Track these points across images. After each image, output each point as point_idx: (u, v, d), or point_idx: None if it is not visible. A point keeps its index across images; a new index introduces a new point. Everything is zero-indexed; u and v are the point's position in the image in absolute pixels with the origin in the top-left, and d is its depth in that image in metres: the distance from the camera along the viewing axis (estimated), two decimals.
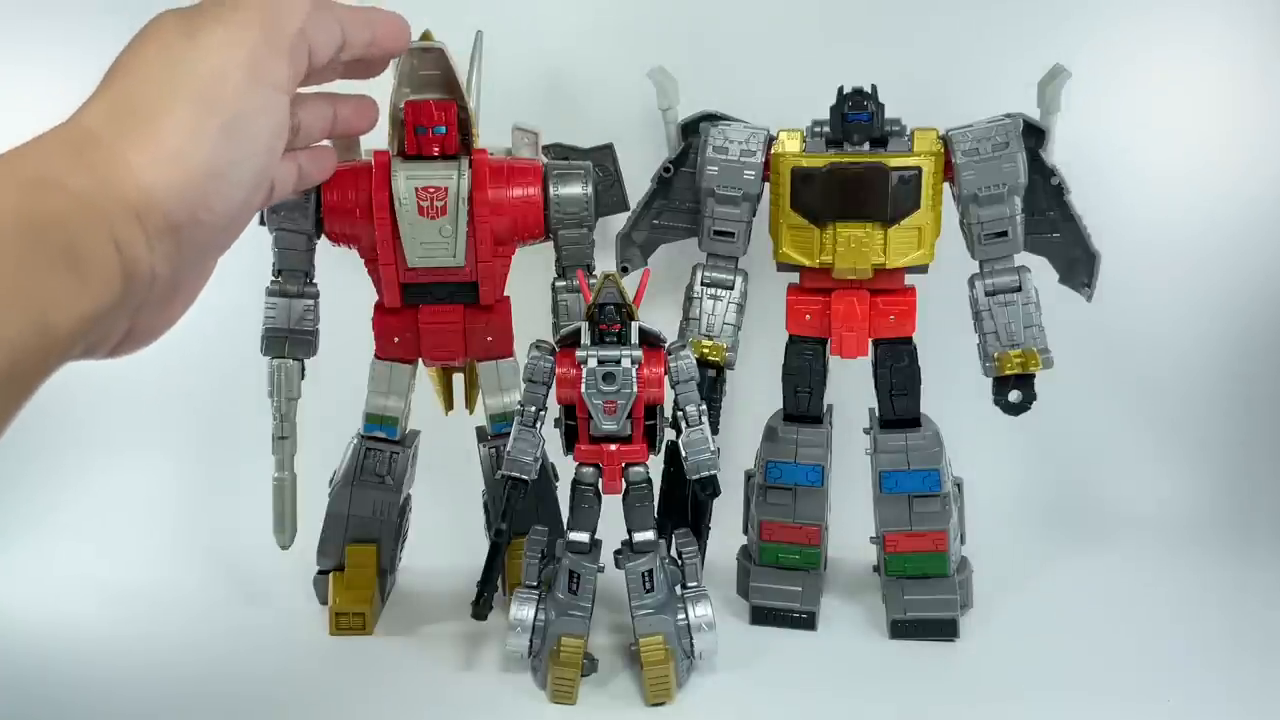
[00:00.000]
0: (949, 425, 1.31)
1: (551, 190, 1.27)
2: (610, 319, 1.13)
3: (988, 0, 1.55)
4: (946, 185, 1.27)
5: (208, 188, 0.66)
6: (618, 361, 1.12)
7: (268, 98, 0.69)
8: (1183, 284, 1.62)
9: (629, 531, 1.18)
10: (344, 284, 1.31)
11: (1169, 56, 1.57)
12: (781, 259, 1.29)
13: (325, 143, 0.92)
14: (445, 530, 1.47)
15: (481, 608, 1.17)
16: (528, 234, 1.27)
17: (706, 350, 1.28)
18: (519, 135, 1.29)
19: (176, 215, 0.65)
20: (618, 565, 1.18)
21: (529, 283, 1.35)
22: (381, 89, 1.20)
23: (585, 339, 1.14)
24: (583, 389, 1.12)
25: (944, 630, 1.27)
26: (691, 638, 1.17)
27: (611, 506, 1.18)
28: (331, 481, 1.35)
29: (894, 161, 1.23)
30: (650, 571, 1.17)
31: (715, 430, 1.24)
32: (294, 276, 1.27)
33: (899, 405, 1.30)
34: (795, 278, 1.31)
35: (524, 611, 1.17)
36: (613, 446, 1.15)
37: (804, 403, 1.32)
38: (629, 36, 1.55)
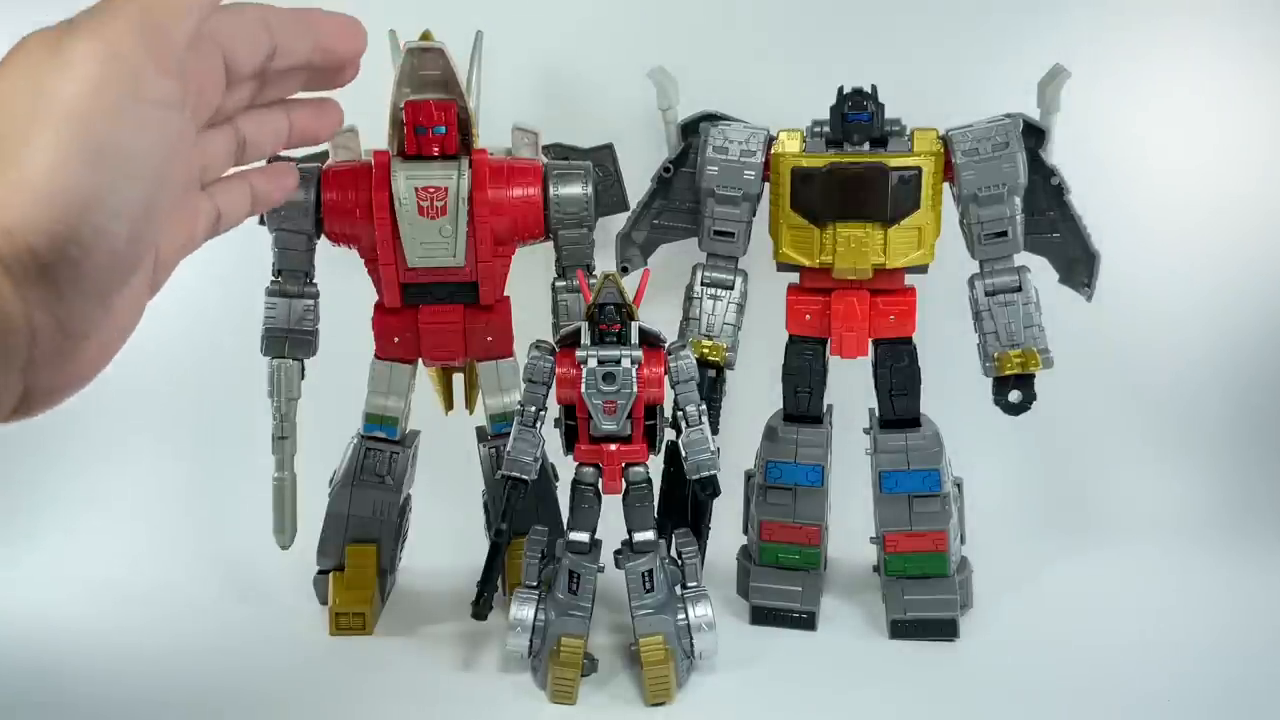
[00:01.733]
0: (949, 425, 1.31)
1: (551, 190, 1.27)
2: (610, 319, 1.13)
3: (988, 1, 1.55)
4: (946, 185, 1.27)
5: (79, 222, 0.56)
6: (618, 361, 1.12)
7: (149, 116, 0.58)
8: (1183, 284, 1.62)
9: (629, 531, 1.18)
10: (344, 284, 1.31)
11: (1169, 56, 1.57)
12: (781, 259, 1.29)
13: (289, 154, 0.84)
14: (445, 530, 1.47)
15: (481, 608, 1.17)
16: (528, 234, 1.27)
17: (706, 350, 1.28)
18: (519, 135, 1.29)
19: (46, 255, 0.56)
20: (618, 565, 1.18)
21: (529, 283, 1.35)
22: (381, 89, 1.21)
23: (585, 339, 1.14)
24: (583, 389, 1.12)
25: (944, 630, 1.27)
26: (691, 638, 1.17)
27: (611, 506, 1.18)
28: (331, 481, 1.35)
29: (894, 161, 1.23)
30: (650, 571, 1.17)
31: (715, 430, 1.24)
32: (294, 276, 1.27)
33: (899, 405, 1.30)
34: (795, 278, 1.31)
35: (524, 611, 1.17)
36: (613, 446, 1.15)
37: (804, 403, 1.32)
38: (629, 36, 1.55)
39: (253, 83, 0.70)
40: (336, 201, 1.24)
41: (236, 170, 0.73)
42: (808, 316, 1.30)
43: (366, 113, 1.29)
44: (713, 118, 1.31)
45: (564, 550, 1.18)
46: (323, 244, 1.28)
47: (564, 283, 1.30)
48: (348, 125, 1.28)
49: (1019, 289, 1.24)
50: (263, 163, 0.76)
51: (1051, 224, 1.28)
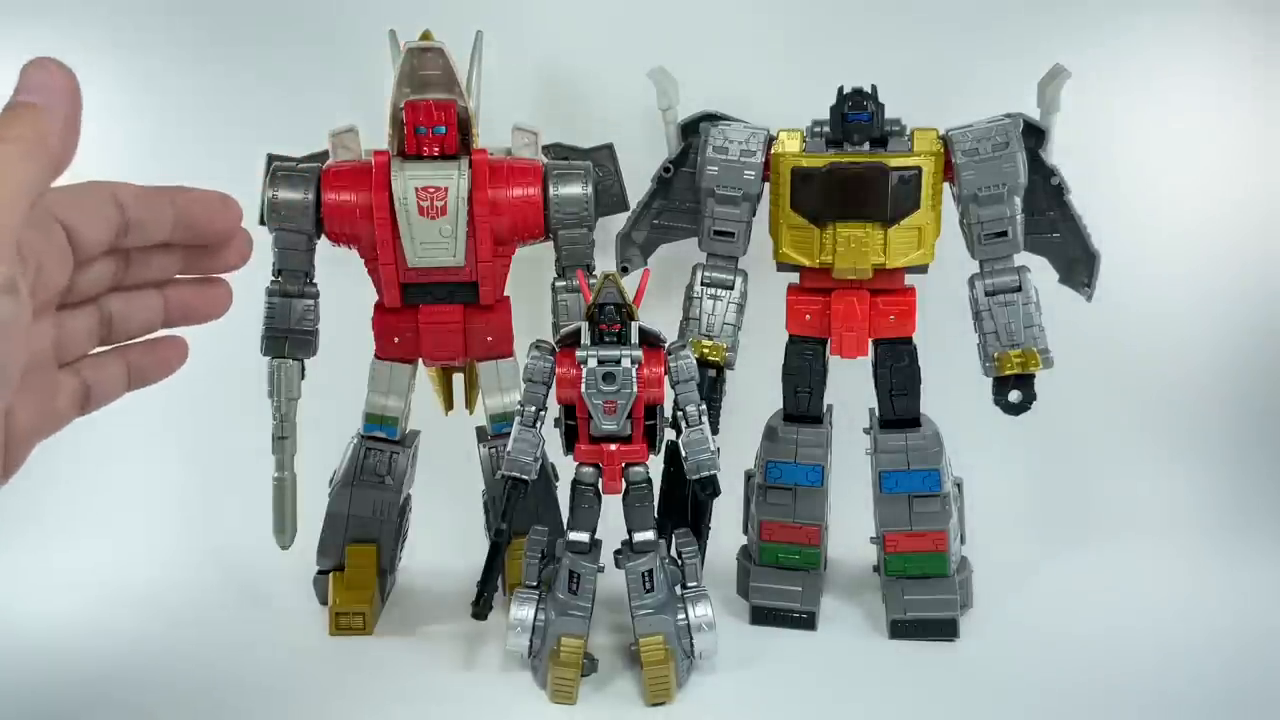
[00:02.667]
0: (949, 425, 1.31)
1: (551, 190, 1.27)
2: (610, 319, 1.13)
3: (988, 1, 1.55)
4: (946, 185, 1.27)
5: None
6: (618, 361, 1.12)
7: None
8: (1183, 283, 1.62)
9: (629, 531, 1.18)
10: (344, 284, 1.31)
11: (1169, 56, 1.57)
12: (781, 259, 1.29)
13: (173, 332, 0.78)
14: (445, 530, 1.47)
15: (481, 608, 1.17)
16: (528, 234, 1.27)
17: (706, 350, 1.28)
18: (519, 135, 1.29)
19: None
20: (618, 565, 1.18)
21: (529, 283, 1.35)
22: (381, 89, 1.21)
23: (585, 339, 1.14)
24: (583, 389, 1.12)
25: (944, 630, 1.27)
26: (691, 638, 1.17)
27: (611, 506, 1.18)
28: (331, 481, 1.35)
29: (894, 161, 1.23)
30: (650, 571, 1.17)
31: (715, 430, 1.24)
32: (294, 276, 1.27)
33: (899, 405, 1.30)
34: (795, 278, 1.31)
35: (524, 611, 1.17)
36: (613, 446, 1.15)
37: (804, 403, 1.32)
38: (629, 36, 1.55)
39: (113, 261, 0.67)
40: (336, 201, 1.24)
41: (111, 347, 0.71)
42: (808, 316, 1.30)
43: (366, 113, 1.29)
44: (713, 118, 1.31)
45: (564, 550, 1.18)
46: (323, 244, 1.28)
47: (564, 283, 1.30)
48: (347, 125, 1.28)
49: (1019, 289, 1.24)
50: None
51: (1051, 224, 1.28)
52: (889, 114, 1.25)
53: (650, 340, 1.15)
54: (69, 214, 0.63)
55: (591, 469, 1.16)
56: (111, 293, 0.69)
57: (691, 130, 1.31)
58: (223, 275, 0.75)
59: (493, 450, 1.32)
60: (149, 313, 0.72)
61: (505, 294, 1.31)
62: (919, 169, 1.23)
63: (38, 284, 0.60)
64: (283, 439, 1.28)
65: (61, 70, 0.62)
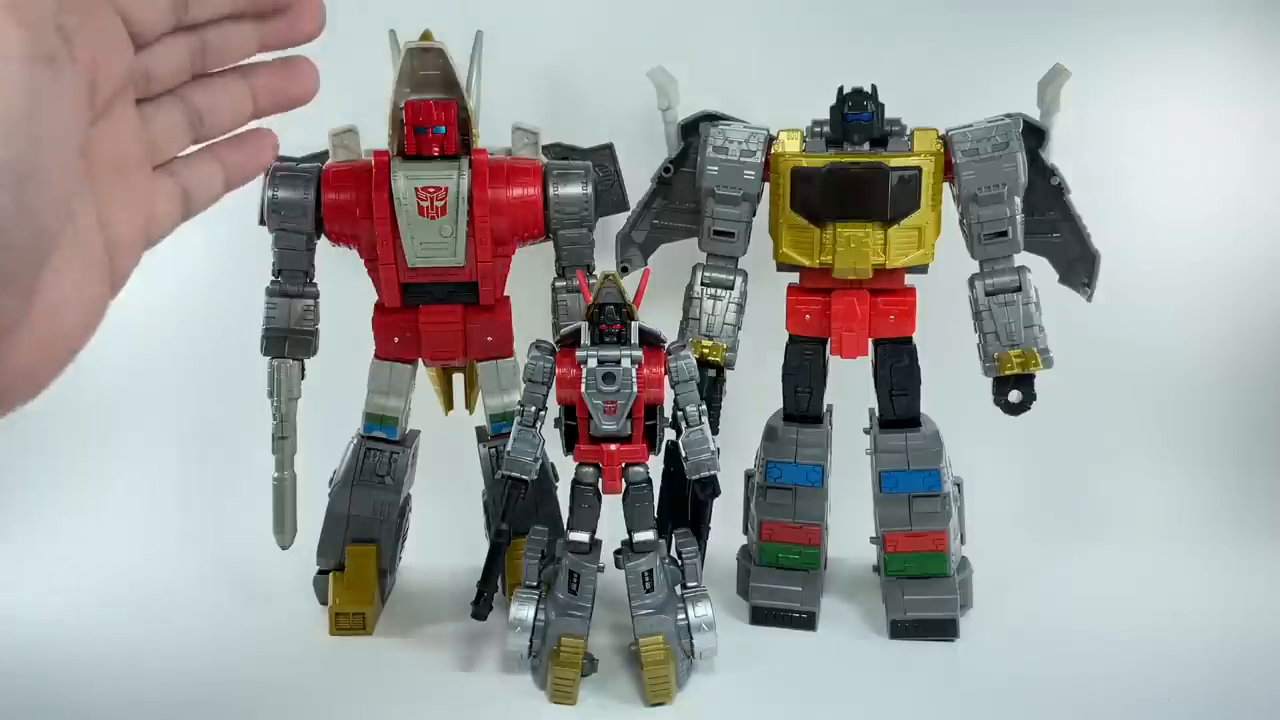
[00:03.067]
0: (949, 425, 1.31)
1: (551, 190, 1.27)
2: (610, 319, 1.13)
3: (988, 1, 1.55)
4: (946, 185, 1.27)
5: None
6: (618, 362, 1.12)
7: (4, 72, 0.50)
8: (1183, 283, 1.62)
9: (629, 531, 1.18)
10: (344, 284, 1.31)
11: (1170, 56, 1.57)
12: (781, 259, 1.29)
13: (258, 124, 0.74)
14: (445, 530, 1.47)
15: (481, 608, 1.17)
16: (527, 234, 1.27)
17: (706, 350, 1.28)
18: (519, 135, 1.29)
19: None
20: (618, 565, 1.18)
21: (529, 283, 1.35)
22: (381, 89, 1.21)
23: (585, 339, 1.14)
24: (583, 389, 1.12)
25: (944, 630, 1.27)
26: (691, 638, 1.17)
27: (611, 506, 1.18)
28: (331, 481, 1.35)
29: (894, 161, 1.23)
30: (650, 571, 1.17)
31: (715, 430, 1.24)
32: (294, 276, 1.27)
33: (899, 405, 1.30)
34: (795, 278, 1.31)
35: (524, 611, 1.17)
36: (613, 446, 1.15)
37: (804, 403, 1.32)
38: (629, 36, 1.55)
39: (185, 43, 0.64)
40: (336, 201, 1.24)
41: (200, 146, 0.68)
42: (808, 316, 1.30)
43: (366, 113, 1.29)
44: (713, 118, 1.31)
45: (564, 550, 1.18)
46: (323, 244, 1.28)
47: (564, 283, 1.30)
48: (347, 125, 1.28)
49: (1019, 289, 1.24)
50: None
51: (1051, 224, 1.28)
52: (889, 114, 1.25)
53: (650, 340, 1.15)
54: None
55: (591, 469, 1.16)
56: (195, 83, 0.66)
57: (691, 130, 1.31)
58: (303, 54, 0.73)
59: (493, 450, 1.32)
60: (237, 101, 0.69)
61: (505, 294, 1.31)
62: (919, 169, 1.23)
63: (98, 72, 0.56)
64: (283, 439, 1.28)
65: None
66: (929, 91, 1.40)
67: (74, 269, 0.57)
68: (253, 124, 0.71)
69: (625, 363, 1.12)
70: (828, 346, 1.31)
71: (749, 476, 1.38)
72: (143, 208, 0.62)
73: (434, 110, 1.20)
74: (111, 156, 0.60)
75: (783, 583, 1.32)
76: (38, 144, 0.52)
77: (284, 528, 1.30)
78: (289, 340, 1.27)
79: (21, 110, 0.51)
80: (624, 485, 1.16)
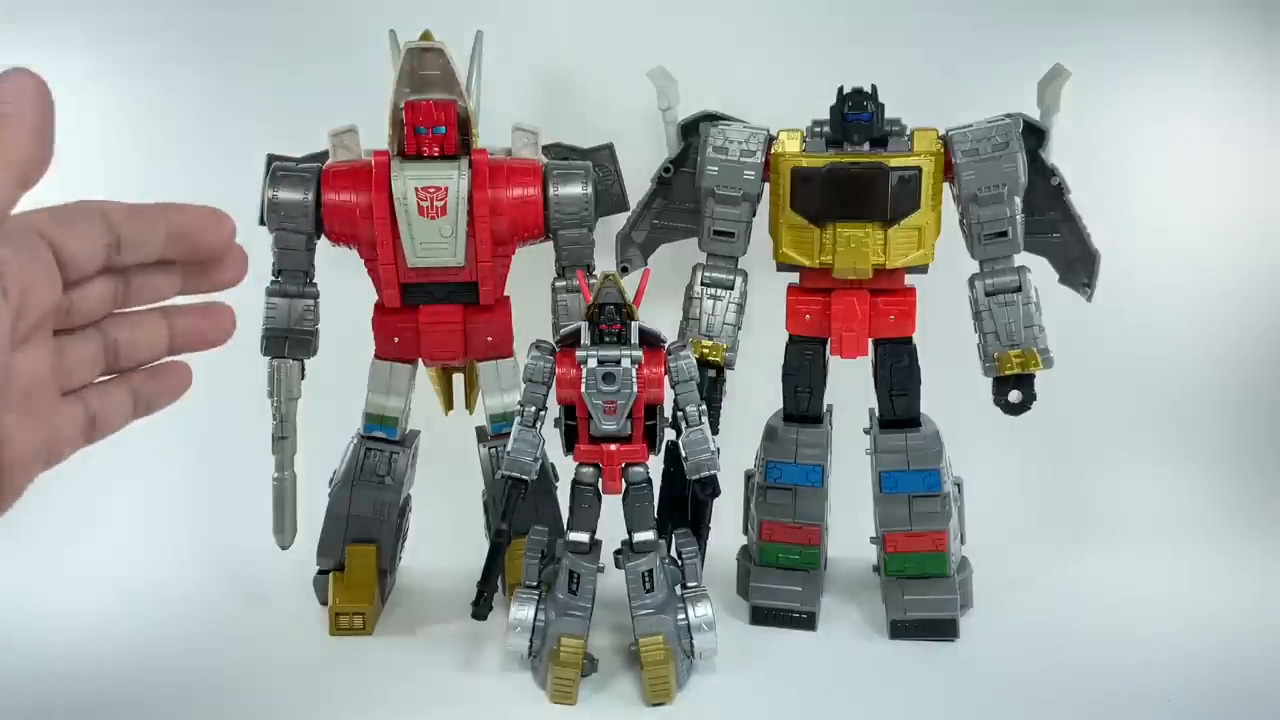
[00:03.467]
0: (949, 425, 1.31)
1: (551, 190, 1.27)
2: (610, 319, 1.13)
3: (988, 1, 1.55)
4: (946, 185, 1.27)
5: None
6: (618, 362, 1.12)
7: None
8: (1183, 283, 1.62)
9: (629, 531, 1.18)
10: (344, 284, 1.31)
11: (1170, 56, 1.57)
12: (781, 259, 1.29)
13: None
14: (445, 530, 1.47)
15: (481, 608, 1.17)
16: (527, 234, 1.27)
17: (706, 350, 1.28)
18: (519, 135, 1.29)
19: None
20: (618, 565, 1.18)
21: (529, 283, 1.35)
22: (381, 89, 1.21)
23: (585, 339, 1.14)
24: (583, 389, 1.12)
25: (944, 630, 1.27)
26: (691, 638, 1.17)
27: (611, 506, 1.18)
28: (331, 481, 1.35)
29: (894, 161, 1.23)
30: (650, 571, 1.17)
31: (715, 430, 1.24)
32: (294, 276, 1.27)
33: (899, 405, 1.30)
34: (795, 278, 1.31)
35: (524, 611, 1.17)
36: (613, 446, 1.15)
37: (804, 403, 1.32)
38: (629, 36, 1.55)
39: (110, 282, 0.67)
40: (336, 201, 1.24)
41: (114, 375, 0.70)
42: (808, 316, 1.30)
43: (366, 113, 1.29)
44: (713, 118, 1.31)
45: (564, 550, 1.18)
46: (323, 244, 1.28)
47: (564, 283, 1.30)
48: (347, 125, 1.28)
49: (1019, 289, 1.24)
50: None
51: (1051, 224, 1.28)
52: (889, 114, 1.25)
53: (650, 340, 1.15)
54: (55, 232, 0.62)
55: (591, 469, 1.16)
56: (114, 318, 0.69)
57: (691, 130, 1.31)
58: (224, 301, 0.75)
59: (493, 450, 1.32)
60: (154, 338, 0.72)
61: (505, 294, 1.31)
62: (919, 169, 1.23)
63: (25, 304, 0.59)
64: (283, 439, 1.28)
65: (31, 78, 0.60)
66: (929, 91, 1.40)
67: None
68: (168, 358, 0.74)
69: (625, 363, 1.12)
70: (828, 346, 1.31)
71: (749, 476, 1.38)
72: (43, 430, 0.65)
73: (434, 110, 1.20)
74: (23, 382, 0.62)
75: (783, 583, 1.32)
76: None
77: (284, 528, 1.30)
78: (289, 340, 1.27)
79: None
80: (624, 485, 1.16)
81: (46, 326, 0.64)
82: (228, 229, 0.71)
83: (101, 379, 0.70)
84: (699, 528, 1.26)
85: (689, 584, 1.19)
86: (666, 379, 1.15)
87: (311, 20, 1.57)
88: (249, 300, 1.27)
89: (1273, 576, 1.40)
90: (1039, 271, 1.28)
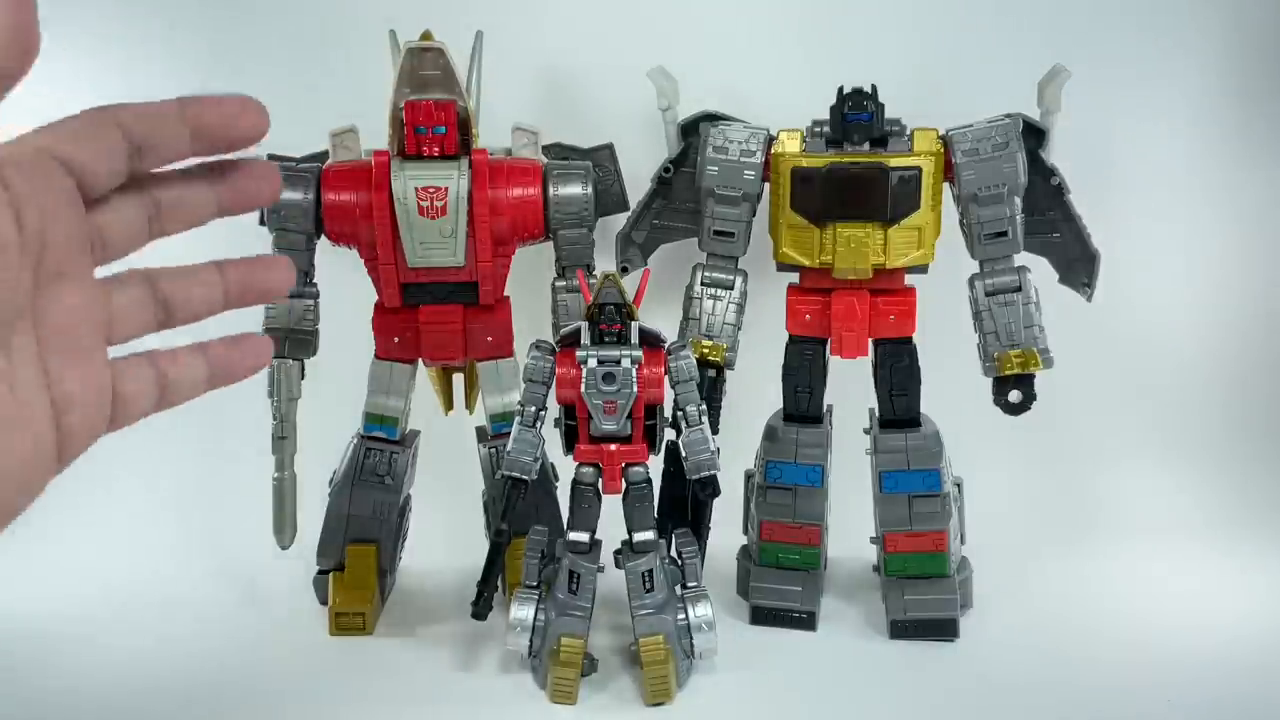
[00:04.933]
0: (949, 425, 1.31)
1: (551, 190, 1.27)
2: (610, 319, 1.13)
3: (988, 1, 1.55)
4: (946, 185, 1.27)
5: None
6: (618, 362, 1.12)
7: None
8: (1183, 283, 1.62)
9: (629, 531, 1.18)
10: (344, 284, 1.31)
11: (1170, 56, 1.57)
12: (781, 259, 1.29)
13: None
14: (445, 530, 1.47)
15: (481, 608, 1.17)
16: (527, 234, 1.27)
17: (706, 350, 1.28)
18: (519, 135, 1.29)
19: None
20: (618, 565, 1.18)
21: (529, 283, 1.35)
22: (381, 89, 1.21)
23: (585, 339, 1.14)
24: (583, 389, 1.12)
25: (944, 630, 1.27)
26: (691, 638, 1.17)
27: (611, 506, 1.18)
28: (331, 481, 1.35)
29: (894, 161, 1.23)
30: (650, 571, 1.17)
31: (715, 430, 1.24)
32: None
33: (899, 405, 1.30)
34: (795, 278, 1.31)
35: (524, 611, 1.17)
36: (613, 446, 1.15)
37: (804, 403, 1.32)
38: (629, 36, 1.55)
39: (138, 204, 0.59)
40: (336, 202, 1.24)
41: (193, 343, 0.65)
42: (808, 316, 1.30)
43: (366, 113, 1.29)
44: (713, 118, 1.31)
45: (564, 550, 1.18)
46: (323, 244, 1.28)
47: (564, 283, 1.30)
48: (347, 125, 1.28)
49: (1019, 289, 1.24)
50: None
51: (1051, 224, 1.28)
52: (889, 114, 1.25)
53: (650, 340, 1.15)
54: (66, 148, 0.55)
55: (591, 469, 1.16)
56: (166, 270, 0.62)
57: (691, 130, 1.31)
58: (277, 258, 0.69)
59: (493, 450, 1.32)
60: (207, 288, 0.64)
61: (505, 294, 1.31)
62: (919, 169, 1.23)
63: (47, 230, 0.53)
64: (283, 439, 1.28)
65: None
66: (929, 91, 1.40)
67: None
68: (248, 332, 0.69)
69: (625, 363, 1.12)
70: (828, 346, 1.31)
71: (749, 476, 1.38)
72: (100, 379, 0.59)
73: (434, 110, 1.20)
74: (60, 322, 0.56)
75: (783, 583, 1.32)
76: None
77: (284, 528, 1.30)
78: (289, 340, 1.27)
79: None
80: (624, 485, 1.16)
81: (82, 260, 0.57)
82: (257, 114, 0.63)
83: (182, 346, 0.64)
84: (699, 528, 1.26)
85: (689, 584, 1.19)
86: (666, 379, 1.15)
87: (311, 20, 1.57)
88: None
89: (1273, 577, 1.40)
90: (1039, 271, 1.28)
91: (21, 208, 0.52)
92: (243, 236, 1.32)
